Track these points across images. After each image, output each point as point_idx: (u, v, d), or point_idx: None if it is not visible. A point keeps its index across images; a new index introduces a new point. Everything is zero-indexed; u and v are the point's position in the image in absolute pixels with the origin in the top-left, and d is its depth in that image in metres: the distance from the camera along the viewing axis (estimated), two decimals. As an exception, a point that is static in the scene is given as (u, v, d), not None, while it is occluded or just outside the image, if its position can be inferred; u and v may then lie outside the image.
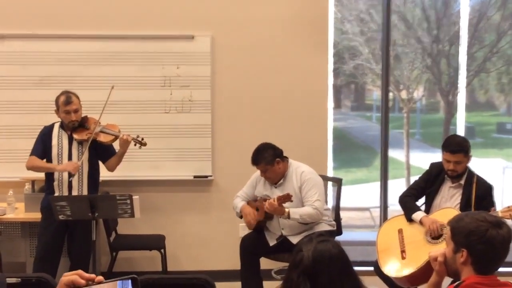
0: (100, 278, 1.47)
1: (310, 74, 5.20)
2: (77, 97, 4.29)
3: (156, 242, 4.94)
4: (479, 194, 4.02)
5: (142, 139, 4.37)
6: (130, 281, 1.45)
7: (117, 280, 1.46)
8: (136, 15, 5.09)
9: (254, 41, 5.17)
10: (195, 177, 5.19)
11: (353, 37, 7.79)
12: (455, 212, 3.83)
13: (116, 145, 4.39)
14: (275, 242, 4.35)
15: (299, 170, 4.26)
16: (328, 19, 5.19)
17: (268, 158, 4.19)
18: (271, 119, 5.21)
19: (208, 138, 5.17)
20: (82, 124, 4.31)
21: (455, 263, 2.33)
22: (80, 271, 1.48)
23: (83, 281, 1.46)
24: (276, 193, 4.20)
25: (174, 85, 5.10)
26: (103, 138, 4.31)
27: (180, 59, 5.09)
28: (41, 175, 4.45)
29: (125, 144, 4.29)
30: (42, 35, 5.00)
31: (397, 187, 6.80)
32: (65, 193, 4.27)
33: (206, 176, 5.20)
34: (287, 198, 3.96)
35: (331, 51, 5.31)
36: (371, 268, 4.17)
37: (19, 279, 2.92)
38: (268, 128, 5.12)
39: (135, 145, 4.36)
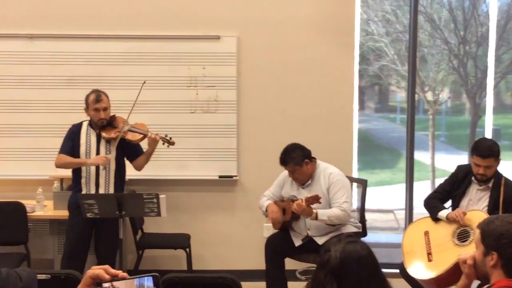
0: (124, 274, 1.50)
1: (336, 75, 5.19)
2: (107, 96, 4.34)
3: (181, 241, 4.97)
4: (507, 196, 3.97)
5: (170, 138, 4.40)
6: (151, 278, 1.47)
7: (136, 277, 1.48)
8: (163, 16, 5.13)
9: (280, 42, 5.18)
10: (220, 177, 5.21)
11: (378, 38, 7.75)
12: (483, 214, 3.80)
13: (144, 145, 4.43)
14: (300, 242, 4.35)
15: (327, 172, 4.26)
16: (355, 20, 5.18)
17: (297, 159, 4.19)
18: (296, 119, 5.21)
19: (233, 138, 5.19)
20: (111, 122, 4.36)
21: (484, 266, 2.32)
22: (107, 266, 1.51)
23: (107, 276, 1.49)
24: (304, 193, 4.20)
25: (200, 85, 5.13)
26: (131, 136, 4.34)
27: (206, 59, 5.11)
28: (70, 173, 4.50)
29: (153, 143, 4.32)
30: (70, 35, 5.07)
31: (422, 189, 6.76)
32: (92, 191, 4.33)
33: (231, 176, 5.22)
34: (315, 199, 3.95)
35: (357, 52, 5.29)
36: (396, 271, 4.14)
37: (49, 276, 2.96)
38: (293, 128, 5.13)
39: (163, 144, 4.39)
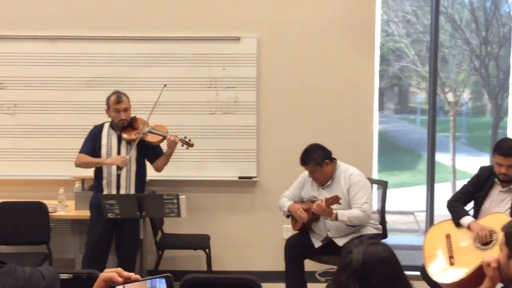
0: (137, 276, 1.50)
1: (356, 76, 5.17)
2: (127, 97, 4.37)
3: (201, 242, 4.98)
4: (530, 199, 3.93)
5: (189, 140, 4.42)
6: (164, 279, 1.48)
7: (148, 279, 1.49)
8: (184, 17, 5.15)
9: (300, 43, 5.17)
10: (240, 178, 5.22)
11: (398, 38, 7.71)
12: (505, 217, 3.76)
13: (164, 146, 4.46)
14: (320, 244, 4.33)
15: (347, 172, 4.24)
16: (376, 21, 5.15)
17: (317, 159, 4.19)
18: (316, 121, 5.20)
19: (253, 139, 5.20)
20: (131, 124, 4.39)
21: (509, 269, 2.29)
22: (119, 269, 1.52)
23: (120, 279, 1.50)
24: (324, 194, 4.19)
25: (220, 86, 5.15)
26: (151, 138, 4.37)
27: (226, 60, 5.13)
28: (91, 174, 4.54)
29: (172, 144, 4.35)
30: (92, 37, 5.11)
31: (443, 191, 6.70)
32: (113, 191, 4.35)
33: (251, 177, 5.22)
34: (335, 200, 3.94)
35: (377, 53, 5.26)
36: (417, 273, 4.11)
37: (71, 275, 2.99)
38: (313, 129, 5.11)
39: (182, 145, 4.41)
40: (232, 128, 5.17)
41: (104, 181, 4.36)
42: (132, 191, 4.37)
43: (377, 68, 5.26)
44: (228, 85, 5.14)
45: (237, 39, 5.12)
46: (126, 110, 4.33)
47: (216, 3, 5.16)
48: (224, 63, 5.13)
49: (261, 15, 5.15)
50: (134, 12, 5.15)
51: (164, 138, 4.37)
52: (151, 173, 4.63)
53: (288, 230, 4.95)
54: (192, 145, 4.42)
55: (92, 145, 4.41)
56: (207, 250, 4.92)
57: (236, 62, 5.14)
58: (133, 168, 4.39)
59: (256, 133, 5.20)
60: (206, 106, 5.16)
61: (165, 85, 4.52)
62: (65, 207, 4.81)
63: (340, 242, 4.21)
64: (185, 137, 4.42)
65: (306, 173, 4.35)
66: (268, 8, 5.15)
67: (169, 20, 5.15)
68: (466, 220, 3.97)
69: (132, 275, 1.51)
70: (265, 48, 5.17)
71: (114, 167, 4.34)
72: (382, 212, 4.66)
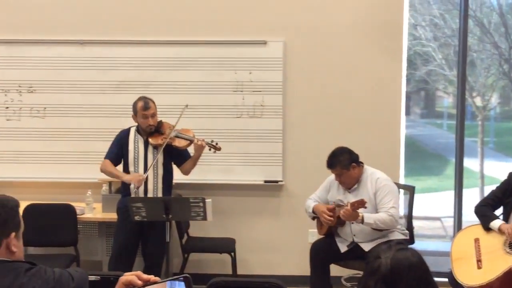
0: (156, 278, 1.51)
1: (383, 80, 5.14)
2: (154, 103, 4.40)
3: (226, 245, 4.99)
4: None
5: (216, 143, 4.43)
6: (183, 280, 1.48)
7: (167, 280, 1.50)
8: (210, 21, 5.18)
9: (326, 47, 5.16)
10: (265, 181, 5.22)
11: (426, 42, 7.64)
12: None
13: (191, 150, 4.48)
14: (346, 248, 4.31)
15: (374, 176, 4.22)
16: (403, 24, 5.12)
17: (344, 162, 4.17)
18: (342, 125, 5.18)
19: (279, 143, 5.19)
20: (158, 129, 4.42)
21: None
22: (139, 272, 1.54)
23: (140, 282, 1.52)
24: (350, 198, 4.17)
25: (246, 90, 5.16)
26: (177, 143, 4.39)
27: (253, 64, 5.14)
28: (118, 177, 4.58)
29: (199, 149, 4.36)
30: (120, 41, 5.17)
31: (471, 197, 6.61)
32: (141, 195, 4.38)
33: (277, 181, 5.22)
34: (361, 204, 3.92)
35: (405, 57, 5.22)
36: (444, 279, 4.06)
37: (99, 277, 3.01)
38: (339, 133, 5.10)
39: (209, 149, 4.42)
40: (258, 132, 5.18)
41: (132, 185, 4.40)
42: (159, 195, 4.39)
43: (404, 72, 5.22)
44: (254, 89, 5.15)
45: (264, 43, 5.13)
46: (154, 115, 4.36)
47: (243, 7, 5.17)
48: (250, 67, 5.14)
49: (287, 19, 5.16)
50: (161, 16, 5.19)
51: (191, 142, 4.39)
52: (177, 176, 4.65)
53: (313, 234, 4.93)
54: (219, 149, 4.44)
55: (117, 150, 4.46)
56: (232, 254, 4.92)
57: (262, 66, 5.15)
58: (160, 172, 4.41)
59: (282, 137, 5.19)
60: (233, 110, 5.17)
61: (187, 105, 4.55)
62: (92, 210, 4.85)
63: (366, 247, 4.18)
64: (212, 141, 4.43)
65: (332, 176, 4.33)
66: (295, 12, 5.15)
67: (196, 24, 5.18)
68: (496, 223, 3.92)
69: (152, 277, 1.53)
70: (291, 52, 5.17)
71: (141, 171, 4.38)
72: (409, 217, 4.62)
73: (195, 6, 5.19)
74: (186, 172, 4.54)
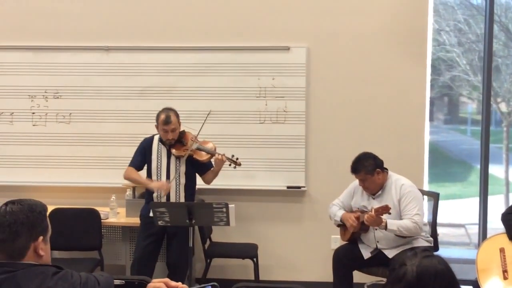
0: (184, 286, 1.51)
1: (407, 86, 5.11)
2: (176, 116, 4.39)
3: (248, 251, 4.99)
4: None
5: (237, 159, 4.42)
6: None
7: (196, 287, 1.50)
8: (233, 27, 5.20)
9: (349, 52, 5.15)
10: (288, 187, 5.21)
11: (450, 48, 7.58)
12: None
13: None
14: (369, 255, 4.29)
15: (398, 183, 4.19)
16: (428, 30, 5.08)
17: (369, 167, 4.16)
18: (365, 131, 5.16)
19: (302, 149, 5.19)
20: (180, 139, 4.43)
21: None
22: (166, 279, 1.54)
23: None
24: (374, 204, 4.15)
25: (269, 95, 5.17)
26: (198, 156, 4.41)
27: (276, 70, 5.15)
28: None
29: (219, 163, 4.38)
30: (144, 47, 5.21)
31: (495, 204, 6.53)
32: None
33: (299, 187, 5.21)
34: (385, 209, 3.90)
35: (429, 63, 5.18)
36: (469, 287, 4.02)
37: (123, 282, 3.03)
38: (362, 139, 5.07)
39: (230, 165, 4.43)
40: (281, 137, 5.17)
41: (155, 194, 4.42)
42: (182, 202, 4.42)
43: (428, 78, 5.18)
44: (277, 94, 5.16)
45: (287, 48, 5.13)
46: (174, 130, 4.36)
47: (266, 13, 5.19)
48: (273, 73, 5.15)
49: (310, 25, 5.16)
50: (185, 23, 5.23)
51: (212, 156, 4.41)
52: (201, 181, 4.66)
53: (336, 240, 4.91)
54: (239, 164, 4.43)
55: (141, 158, 4.49)
56: (254, 259, 4.92)
57: (285, 72, 5.15)
58: (182, 181, 4.44)
59: (304, 143, 5.19)
60: (255, 116, 5.18)
61: (210, 112, 4.55)
62: (116, 214, 4.89)
63: (390, 254, 4.15)
64: (232, 156, 4.43)
65: (356, 181, 4.31)
66: (318, 18, 5.15)
67: (220, 30, 5.20)
68: None
69: (179, 284, 1.52)
70: (315, 58, 5.16)
71: (164, 180, 4.40)
72: (433, 224, 4.57)
73: (219, 13, 5.22)
74: (207, 182, 4.58)
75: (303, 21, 5.16)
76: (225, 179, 4.95)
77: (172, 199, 4.40)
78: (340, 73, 5.17)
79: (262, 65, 5.15)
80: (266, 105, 5.17)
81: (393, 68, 5.11)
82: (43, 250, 2.07)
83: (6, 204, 2.09)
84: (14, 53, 5.29)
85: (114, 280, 2.42)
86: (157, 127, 4.42)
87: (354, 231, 4.24)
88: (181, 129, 4.46)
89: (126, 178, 4.52)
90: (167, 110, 4.40)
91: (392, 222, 4.02)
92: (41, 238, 2.07)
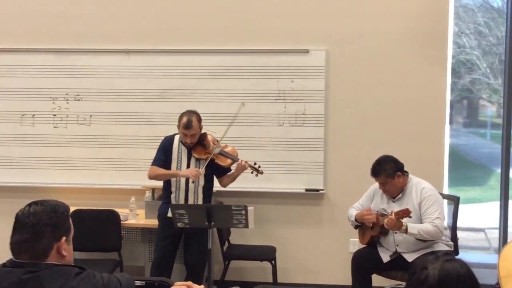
0: None
1: (427, 89, 5.08)
2: (198, 120, 4.36)
3: (267, 253, 4.99)
4: None
5: (259, 166, 4.42)
6: None
7: None
8: (253, 30, 5.22)
9: (369, 55, 5.14)
10: (306, 190, 5.21)
11: (470, 50, 7.52)
12: None
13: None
14: (388, 258, 4.26)
15: (419, 186, 4.17)
16: (448, 33, 5.05)
17: (389, 171, 4.13)
18: (385, 134, 5.14)
19: (320, 152, 5.18)
20: (201, 141, 4.43)
21: None
22: (189, 283, 1.54)
23: None
24: (394, 207, 4.13)
25: (288, 98, 5.17)
26: (221, 161, 4.40)
27: (295, 73, 5.15)
28: (160, 184, 4.60)
29: (241, 169, 4.38)
30: (164, 50, 5.25)
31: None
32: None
33: (318, 190, 5.20)
34: (405, 213, 3.88)
35: (449, 66, 5.15)
36: (490, 292, 3.99)
37: (143, 283, 3.05)
38: (382, 142, 5.05)
39: (252, 172, 4.43)
40: (300, 140, 5.17)
41: (173, 195, 4.43)
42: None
43: (449, 81, 5.14)
44: (296, 97, 5.16)
45: (306, 51, 5.14)
46: (194, 135, 4.34)
47: (285, 16, 5.19)
48: (292, 76, 5.15)
49: (330, 28, 5.15)
50: (205, 25, 5.25)
51: (234, 162, 4.41)
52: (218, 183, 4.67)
53: (354, 244, 4.90)
54: (261, 173, 4.42)
55: (164, 157, 4.46)
56: (273, 262, 4.91)
57: (304, 75, 5.15)
58: (201, 183, 4.43)
59: (323, 146, 5.18)
60: (274, 118, 5.19)
61: (243, 103, 4.56)
62: (135, 216, 4.92)
63: (410, 257, 4.12)
64: (255, 164, 4.43)
65: (376, 184, 4.29)
66: (337, 21, 5.15)
67: (239, 33, 5.22)
68: None
69: (202, 287, 1.53)
70: (334, 61, 5.16)
71: (183, 181, 4.41)
72: (453, 228, 4.54)
73: (238, 16, 5.24)
74: (224, 185, 4.57)
75: (322, 24, 5.16)
76: (244, 182, 4.94)
77: (190, 201, 4.41)
78: (359, 76, 5.15)
79: (281, 68, 5.16)
80: (285, 107, 5.17)
81: (412, 71, 5.09)
82: (66, 251, 2.09)
83: (29, 205, 2.11)
84: (36, 56, 5.35)
85: (135, 281, 2.44)
86: (178, 127, 4.44)
87: (374, 222, 4.19)
88: (203, 131, 4.45)
89: (151, 176, 4.46)
90: (190, 113, 4.36)
91: (413, 226, 4.00)
92: (64, 238, 2.08)
